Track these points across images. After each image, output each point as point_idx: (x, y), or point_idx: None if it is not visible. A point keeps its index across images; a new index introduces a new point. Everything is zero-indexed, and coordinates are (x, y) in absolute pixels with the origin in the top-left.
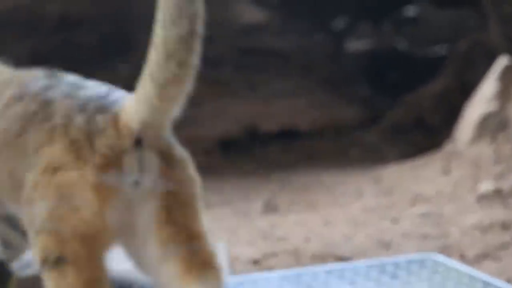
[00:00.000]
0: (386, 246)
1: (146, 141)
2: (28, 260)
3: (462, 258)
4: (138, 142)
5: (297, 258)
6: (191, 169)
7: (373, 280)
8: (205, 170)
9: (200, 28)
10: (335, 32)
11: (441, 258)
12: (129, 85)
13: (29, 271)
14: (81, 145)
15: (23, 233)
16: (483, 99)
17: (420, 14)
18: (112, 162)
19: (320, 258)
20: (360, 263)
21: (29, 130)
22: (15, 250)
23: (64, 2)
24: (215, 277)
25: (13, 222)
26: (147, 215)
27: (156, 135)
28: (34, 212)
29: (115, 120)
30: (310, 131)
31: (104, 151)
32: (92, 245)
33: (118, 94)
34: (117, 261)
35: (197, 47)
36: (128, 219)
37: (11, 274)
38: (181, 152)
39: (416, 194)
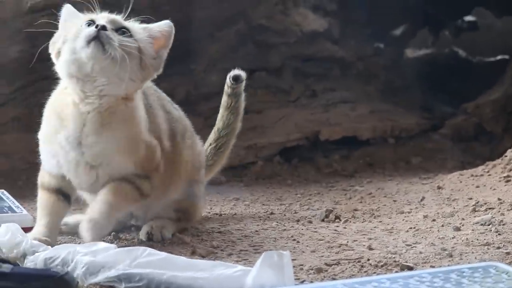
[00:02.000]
0: (449, 254)
1: None
2: (91, 268)
3: None
4: None
5: (360, 266)
6: None
7: None
8: (267, 177)
9: None
10: (395, 39)
11: (504, 266)
12: (179, 93)
13: (92, 279)
14: None
15: None
16: None
17: (479, 21)
18: None
19: (383, 266)
20: (424, 272)
21: None
22: None
23: (126, 11)
24: None
25: None
26: None
27: None
28: None
29: None
30: (371, 138)
31: None
32: None
33: None
34: (180, 269)
35: None
36: None
37: (76, 283)
38: None
39: (478, 202)
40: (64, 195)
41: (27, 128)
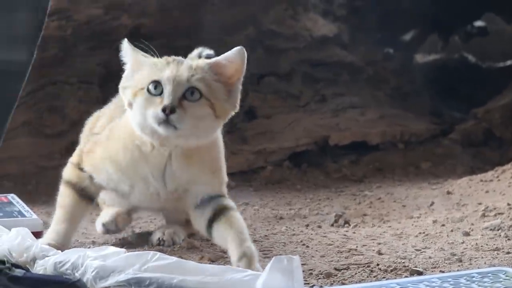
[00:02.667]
0: (458, 259)
1: None
2: (101, 272)
3: None
4: None
5: (370, 271)
6: None
7: None
8: (277, 182)
9: None
10: (405, 44)
11: None
12: None
13: (102, 284)
14: None
15: None
16: None
17: (489, 26)
18: None
19: (393, 271)
20: (434, 277)
21: None
22: None
23: (136, 16)
24: None
25: None
26: None
27: None
28: None
29: None
30: (380, 143)
31: None
32: None
33: None
34: (190, 273)
35: None
36: None
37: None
38: None
39: (487, 207)
40: (90, 197)
41: (37, 132)
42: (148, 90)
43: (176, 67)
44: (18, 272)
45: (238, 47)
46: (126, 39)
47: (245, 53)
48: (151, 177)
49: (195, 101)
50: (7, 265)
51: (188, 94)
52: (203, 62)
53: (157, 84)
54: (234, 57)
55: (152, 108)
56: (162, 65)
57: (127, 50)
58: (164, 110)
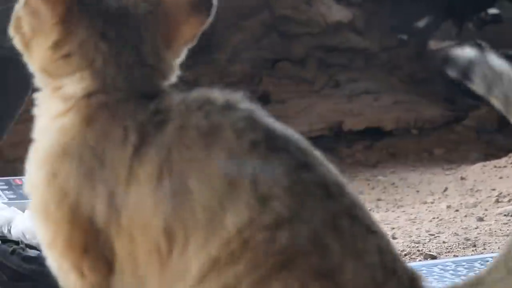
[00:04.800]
0: (472, 244)
1: None
2: None
3: None
4: None
5: None
6: None
7: (461, 277)
8: None
9: None
10: (419, 31)
11: None
12: (203, 82)
13: None
14: None
15: None
16: None
17: (503, 14)
18: None
19: (407, 255)
20: (448, 260)
21: None
22: None
23: None
24: None
25: None
26: None
27: None
28: None
29: None
30: (394, 129)
31: None
32: None
33: None
34: None
35: None
36: None
37: None
38: None
39: (501, 193)
40: None
41: None
42: None
43: None
44: (32, 252)
45: None
46: None
47: None
48: None
49: None
50: (21, 245)
51: None
52: None
53: None
54: None
55: None
56: None
57: None
58: None
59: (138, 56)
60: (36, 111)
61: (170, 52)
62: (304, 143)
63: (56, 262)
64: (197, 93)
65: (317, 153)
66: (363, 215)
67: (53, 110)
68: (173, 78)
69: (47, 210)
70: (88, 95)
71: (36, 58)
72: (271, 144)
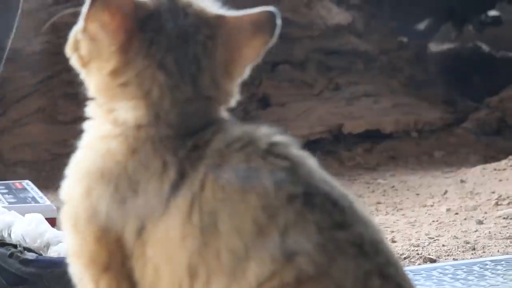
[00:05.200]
0: (471, 247)
1: None
2: None
3: None
4: None
5: None
6: None
7: (460, 280)
8: None
9: None
10: (419, 33)
11: None
12: None
13: None
14: None
15: None
16: None
17: (503, 16)
18: None
19: (406, 259)
20: (447, 264)
21: None
22: None
23: None
24: None
25: None
26: None
27: None
28: None
29: None
30: (394, 132)
31: None
32: None
33: None
34: None
35: None
36: None
37: None
38: None
39: (501, 196)
40: None
41: (51, 119)
42: None
43: None
44: (30, 255)
45: None
46: None
47: None
48: None
49: None
50: (19, 248)
51: None
52: None
53: None
54: None
55: None
56: None
57: None
58: None
59: (195, 88)
60: (86, 123)
61: (229, 77)
62: (347, 199)
63: (78, 272)
64: (242, 131)
65: (359, 209)
66: (396, 273)
67: (102, 130)
68: (233, 102)
69: (77, 223)
70: (139, 127)
71: (93, 80)
72: (309, 200)
